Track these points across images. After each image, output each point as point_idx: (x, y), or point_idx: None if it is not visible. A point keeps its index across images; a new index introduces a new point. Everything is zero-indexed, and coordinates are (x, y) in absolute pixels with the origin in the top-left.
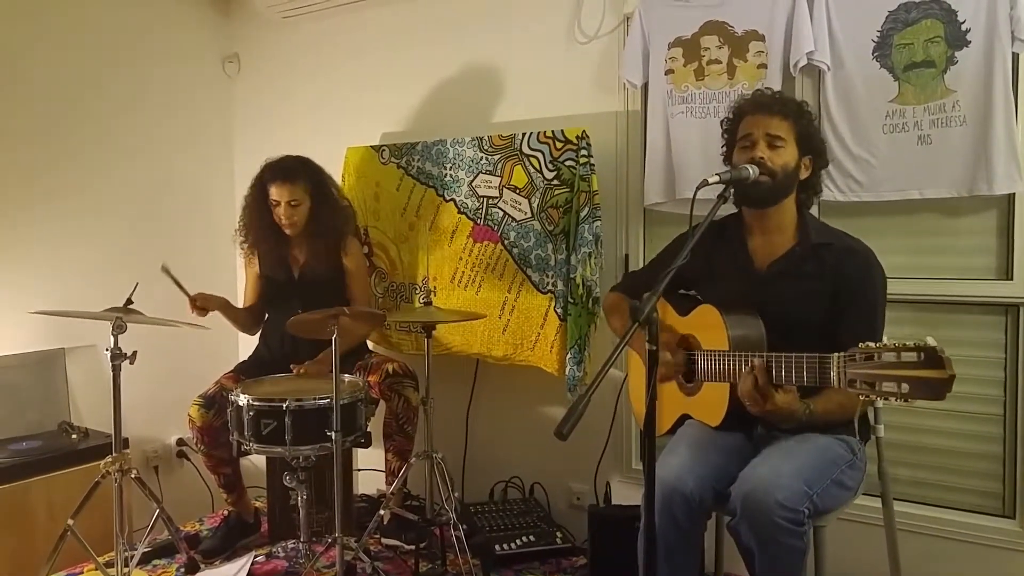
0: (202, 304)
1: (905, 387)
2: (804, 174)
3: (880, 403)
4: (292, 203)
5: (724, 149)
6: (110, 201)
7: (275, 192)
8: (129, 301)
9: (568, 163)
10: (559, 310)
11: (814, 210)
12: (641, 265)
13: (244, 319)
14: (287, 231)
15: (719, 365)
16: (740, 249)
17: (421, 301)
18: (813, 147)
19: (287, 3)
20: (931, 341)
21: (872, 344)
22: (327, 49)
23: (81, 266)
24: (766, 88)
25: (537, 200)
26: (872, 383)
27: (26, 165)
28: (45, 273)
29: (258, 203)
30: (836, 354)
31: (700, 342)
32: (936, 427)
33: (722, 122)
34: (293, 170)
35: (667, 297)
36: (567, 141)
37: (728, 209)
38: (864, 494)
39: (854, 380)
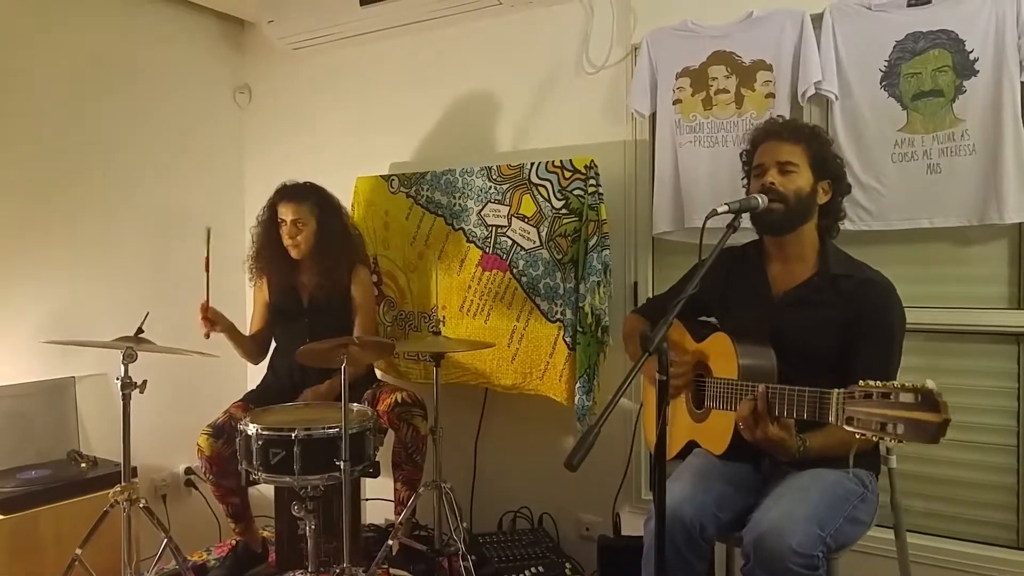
0: (212, 316)
1: (900, 428)
2: (823, 199)
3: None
4: (297, 222)
5: (744, 181)
6: (120, 230)
7: (282, 211)
8: (140, 330)
9: (576, 192)
10: (568, 339)
11: None
12: (650, 294)
13: (249, 346)
14: (292, 253)
15: (726, 393)
16: (759, 276)
17: (430, 330)
18: (830, 171)
19: (298, 35)
20: (930, 384)
21: (873, 382)
22: (337, 80)
23: (91, 295)
24: (779, 116)
25: (546, 229)
26: (868, 422)
27: (37, 194)
28: (55, 302)
29: (268, 224)
30: (836, 390)
31: (712, 369)
32: (949, 458)
33: (741, 154)
34: (302, 192)
35: (686, 323)
36: (575, 170)
37: (750, 236)
38: (877, 525)
39: (851, 418)
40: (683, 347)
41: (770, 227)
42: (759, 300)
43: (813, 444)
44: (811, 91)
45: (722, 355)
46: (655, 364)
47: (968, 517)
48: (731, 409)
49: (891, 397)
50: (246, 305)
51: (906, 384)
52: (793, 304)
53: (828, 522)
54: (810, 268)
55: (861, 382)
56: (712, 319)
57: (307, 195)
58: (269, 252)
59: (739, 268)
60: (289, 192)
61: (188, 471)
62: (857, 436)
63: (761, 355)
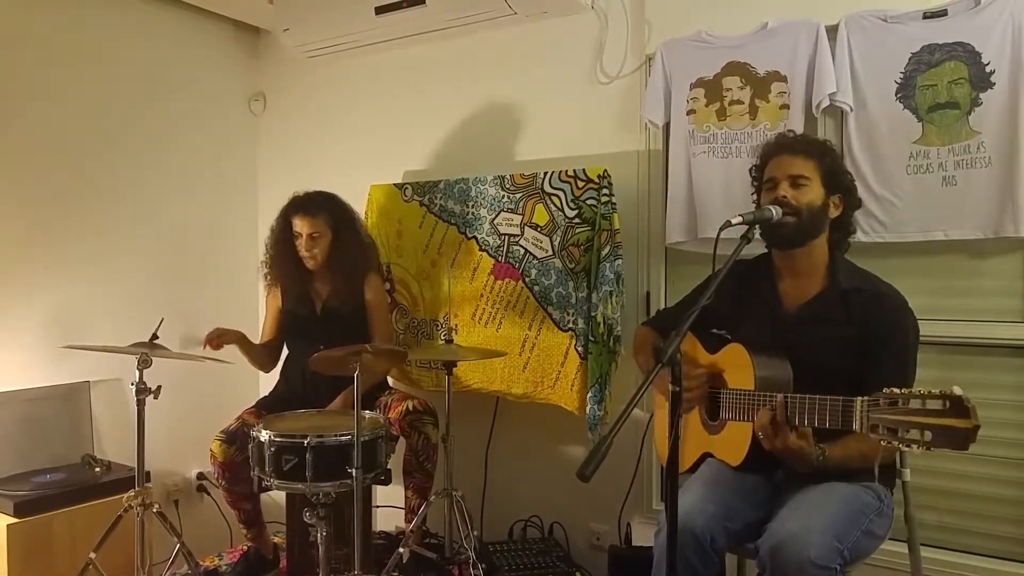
0: (217, 340)
1: (928, 435)
2: (834, 213)
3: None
4: (313, 235)
5: (754, 196)
6: (136, 237)
7: (298, 224)
8: (155, 336)
9: (590, 202)
10: (580, 348)
11: None
12: (663, 304)
13: (260, 355)
14: (308, 264)
15: (743, 404)
16: (770, 290)
17: (442, 338)
18: (841, 185)
19: (313, 43)
20: (957, 390)
21: (896, 390)
22: (351, 88)
23: (107, 300)
24: (789, 131)
25: (558, 238)
26: (895, 429)
27: (53, 201)
28: (72, 308)
29: (282, 235)
30: (859, 398)
31: (727, 380)
32: (963, 471)
33: (750, 169)
34: (316, 203)
35: (697, 335)
36: (589, 180)
37: (760, 248)
38: (890, 539)
39: (876, 425)
40: (696, 359)
41: (781, 240)
42: (771, 315)
43: (832, 455)
44: (825, 102)
45: (738, 366)
46: (667, 377)
47: (982, 531)
48: (748, 420)
49: (918, 404)
50: (259, 312)
51: (933, 391)
52: (805, 321)
53: (846, 535)
54: (819, 283)
55: (886, 389)
56: (723, 332)
57: (321, 207)
58: (283, 262)
59: (750, 281)
60: (303, 204)
61: (200, 476)
62: (883, 444)
63: (777, 366)
